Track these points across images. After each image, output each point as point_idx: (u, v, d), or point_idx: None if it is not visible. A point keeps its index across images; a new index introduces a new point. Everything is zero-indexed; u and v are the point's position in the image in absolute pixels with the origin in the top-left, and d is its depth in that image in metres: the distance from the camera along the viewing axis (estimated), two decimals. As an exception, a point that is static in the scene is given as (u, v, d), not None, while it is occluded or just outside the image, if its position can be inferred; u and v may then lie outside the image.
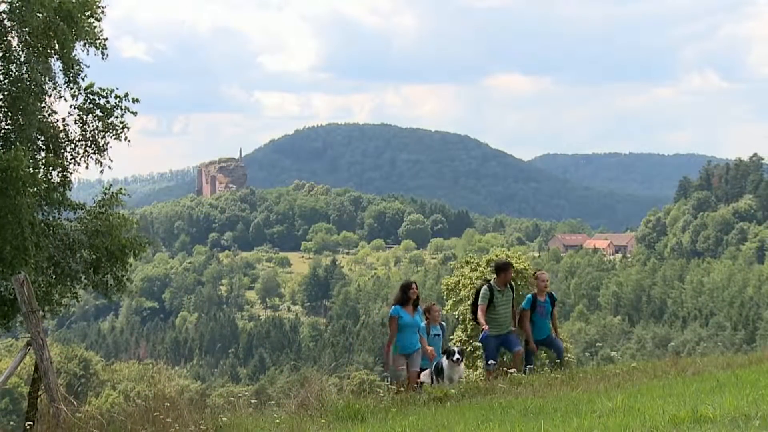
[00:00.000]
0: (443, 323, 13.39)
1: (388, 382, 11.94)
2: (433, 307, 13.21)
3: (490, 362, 12.41)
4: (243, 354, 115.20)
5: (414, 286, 11.99)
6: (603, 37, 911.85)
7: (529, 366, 12.53)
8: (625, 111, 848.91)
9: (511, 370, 11.59)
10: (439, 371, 11.95)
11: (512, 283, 12.99)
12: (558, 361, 12.97)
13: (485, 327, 12.27)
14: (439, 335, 12.82)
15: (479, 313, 12.45)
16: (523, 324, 12.88)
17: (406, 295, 11.81)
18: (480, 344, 13.88)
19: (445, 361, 11.84)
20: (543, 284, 13.13)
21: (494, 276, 12.88)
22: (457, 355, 11.85)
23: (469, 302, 29.52)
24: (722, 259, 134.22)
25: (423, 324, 12.40)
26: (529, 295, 13.12)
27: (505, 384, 10.33)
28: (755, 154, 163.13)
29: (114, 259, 15.63)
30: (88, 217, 15.60)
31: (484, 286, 12.64)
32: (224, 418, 8.25)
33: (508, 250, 39.87)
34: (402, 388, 11.54)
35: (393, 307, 11.94)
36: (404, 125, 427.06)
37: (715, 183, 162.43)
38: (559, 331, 13.84)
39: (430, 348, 12.03)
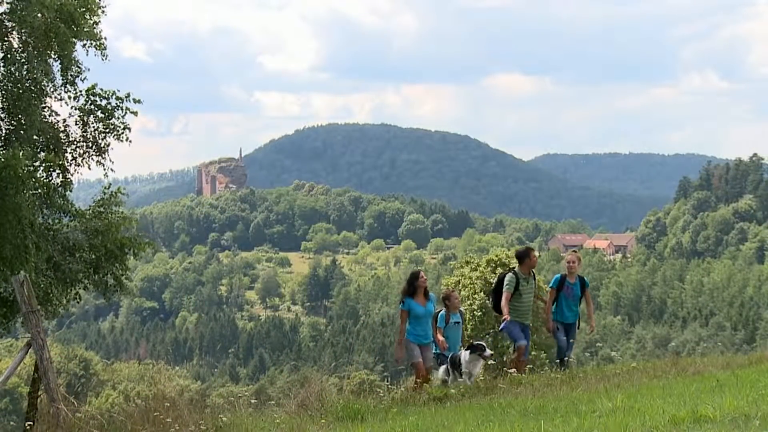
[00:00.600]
0: (462, 310, 13.03)
1: (391, 376, 11.83)
2: (452, 294, 12.90)
3: (521, 342, 12.12)
4: (243, 354, 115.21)
5: (422, 275, 11.77)
6: (603, 37, 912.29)
7: (565, 357, 12.33)
8: (625, 111, 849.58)
9: (511, 370, 11.49)
10: (456, 364, 11.46)
11: (534, 271, 12.71)
12: (560, 360, 12.65)
13: (507, 317, 11.97)
14: (459, 323, 12.52)
15: (503, 301, 12.12)
16: (547, 303, 12.68)
17: (414, 286, 11.59)
18: (504, 334, 13.40)
19: (467, 354, 11.31)
20: (570, 265, 12.81)
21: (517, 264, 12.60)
22: (488, 352, 11.36)
23: (469, 302, 29.52)
24: (722, 259, 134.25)
25: (442, 312, 12.24)
26: (557, 275, 12.88)
27: (505, 384, 10.32)
28: (755, 154, 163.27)
29: (113, 258, 15.64)
30: (86, 217, 15.62)
31: (509, 274, 12.39)
32: (224, 418, 8.25)
33: (508, 250, 39.92)
34: (418, 374, 11.38)
35: (404, 300, 11.66)
36: (404, 125, 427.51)
37: (715, 183, 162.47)
38: (593, 320, 13.39)
39: (441, 339, 11.81)
